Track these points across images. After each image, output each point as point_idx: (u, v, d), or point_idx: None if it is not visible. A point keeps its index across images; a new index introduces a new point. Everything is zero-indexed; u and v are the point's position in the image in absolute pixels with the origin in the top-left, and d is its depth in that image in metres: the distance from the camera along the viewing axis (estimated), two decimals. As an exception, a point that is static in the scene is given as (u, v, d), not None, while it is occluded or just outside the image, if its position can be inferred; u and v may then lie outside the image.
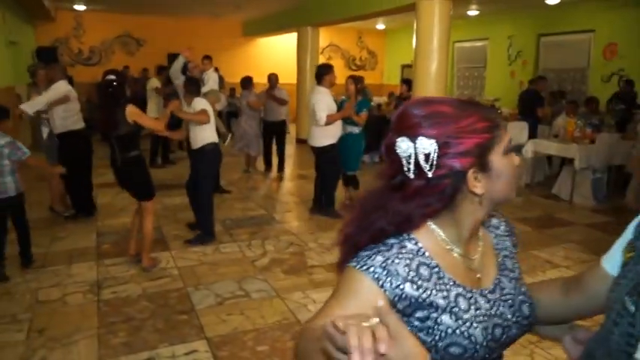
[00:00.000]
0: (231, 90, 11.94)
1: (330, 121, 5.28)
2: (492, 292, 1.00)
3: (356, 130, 5.69)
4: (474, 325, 0.92)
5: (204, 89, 5.97)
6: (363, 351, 0.63)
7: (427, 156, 0.90)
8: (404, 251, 0.92)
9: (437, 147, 0.89)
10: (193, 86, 4.69)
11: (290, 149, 10.54)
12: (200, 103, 4.59)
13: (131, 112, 3.85)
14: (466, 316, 0.92)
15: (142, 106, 12.17)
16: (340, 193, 5.89)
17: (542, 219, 5.67)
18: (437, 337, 0.91)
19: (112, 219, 5.45)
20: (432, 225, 0.97)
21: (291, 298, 3.58)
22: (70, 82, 5.43)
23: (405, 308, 0.90)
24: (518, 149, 7.58)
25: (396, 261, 0.90)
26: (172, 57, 13.69)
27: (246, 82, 7.80)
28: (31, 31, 11.85)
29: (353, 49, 17.01)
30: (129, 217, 5.41)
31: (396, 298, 0.89)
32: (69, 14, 12.84)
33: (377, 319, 0.68)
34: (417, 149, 0.90)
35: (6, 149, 3.78)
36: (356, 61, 17.09)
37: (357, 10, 9.17)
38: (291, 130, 12.44)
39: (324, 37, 14.01)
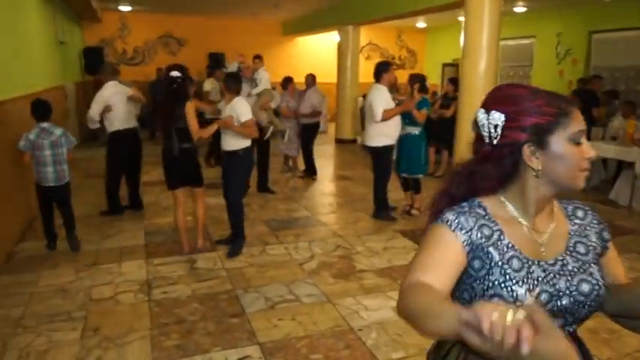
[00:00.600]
0: (271, 89, 11.95)
1: (386, 116, 5.14)
2: (552, 265, 1.12)
3: (416, 131, 5.50)
4: (519, 284, 1.06)
5: (257, 89, 5.95)
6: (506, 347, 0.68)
7: (496, 127, 1.10)
8: (472, 212, 1.13)
9: (504, 120, 1.09)
10: (233, 84, 4.35)
11: (329, 149, 10.46)
12: (242, 106, 4.31)
13: (188, 109, 4.07)
14: (515, 275, 1.07)
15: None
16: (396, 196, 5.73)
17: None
18: (485, 287, 1.08)
19: (159, 217, 5.49)
20: (501, 197, 1.16)
21: (342, 304, 3.48)
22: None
23: (468, 254, 1.08)
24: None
25: (466, 215, 1.12)
26: (213, 56, 13.96)
27: (287, 83, 7.73)
28: (79, 31, 12.17)
29: (392, 48, 16.79)
30: (171, 217, 5.48)
31: (464, 243, 1.08)
32: (114, 15, 13.13)
33: (522, 314, 0.71)
34: (490, 120, 1.11)
35: (62, 138, 4.22)
36: (395, 60, 16.84)
37: (404, 7, 8.99)
38: (330, 129, 12.40)
39: (363, 35, 13.87)
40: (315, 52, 15.43)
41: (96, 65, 11.31)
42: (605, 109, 8.29)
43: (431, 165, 7.69)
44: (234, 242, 4.48)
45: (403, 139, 5.40)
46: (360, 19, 10.76)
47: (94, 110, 5.14)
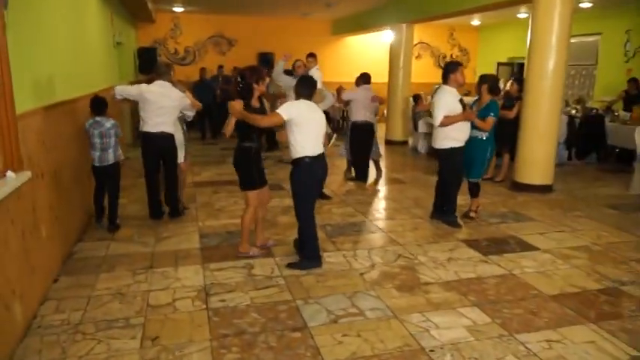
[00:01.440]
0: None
1: (446, 122, 4.87)
2: None
3: (482, 135, 5.18)
4: None
5: None
6: None
7: None
8: None
9: None
10: (306, 89, 4.00)
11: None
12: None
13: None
14: None
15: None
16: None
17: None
18: None
19: (212, 220, 5.40)
20: None
21: (409, 321, 3.24)
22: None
23: None
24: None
25: None
26: (263, 56, 13.96)
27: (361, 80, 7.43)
28: (133, 32, 12.40)
29: (443, 46, 16.32)
30: (228, 219, 5.39)
31: None
32: (167, 16, 13.33)
33: None
34: None
35: (112, 130, 4.84)
36: (447, 59, 16.35)
37: (466, 3, 8.59)
38: (380, 130, 12.06)
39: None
40: (365, 52, 15.16)
41: (149, 65, 11.52)
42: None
43: (491, 169, 7.31)
44: (304, 264, 4.12)
45: (469, 143, 5.08)
46: (414, 17, 10.42)
47: (121, 90, 5.06)
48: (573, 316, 3.32)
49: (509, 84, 12.39)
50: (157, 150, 5.13)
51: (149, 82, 5.22)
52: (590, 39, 11.89)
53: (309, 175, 3.99)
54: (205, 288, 3.72)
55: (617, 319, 3.28)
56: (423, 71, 15.34)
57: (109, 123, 4.80)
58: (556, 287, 3.77)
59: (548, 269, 4.12)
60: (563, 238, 4.90)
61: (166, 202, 5.38)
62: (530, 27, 6.75)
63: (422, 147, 10.05)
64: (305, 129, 3.90)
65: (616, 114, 9.18)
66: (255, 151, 4.17)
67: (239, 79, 4.07)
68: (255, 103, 4.13)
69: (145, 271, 4.03)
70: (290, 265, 4.13)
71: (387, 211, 5.86)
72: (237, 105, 3.94)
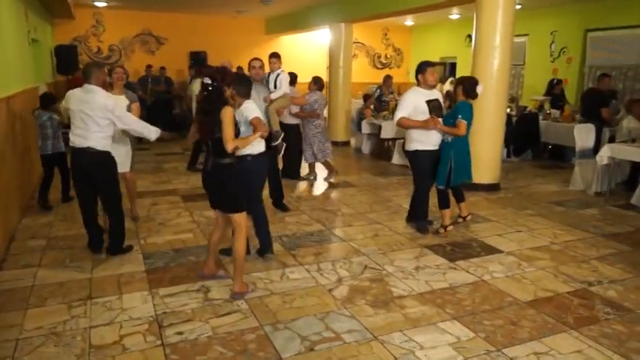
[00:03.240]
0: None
1: (402, 124, 4.72)
2: None
3: (447, 138, 4.87)
4: None
5: (276, 94, 5.29)
6: None
7: None
8: None
9: None
10: (243, 87, 3.80)
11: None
12: (252, 111, 3.78)
13: (224, 113, 3.43)
14: None
15: (165, 110, 11.70)
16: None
17: (636, 235, 5.04)
18: None
19: (155, 236, 4.89)
20: None
21: (391, 342, 3.00)
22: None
23: None
24: (586, 154, 6.98)
25: None
26: (194, 55, 13.28)
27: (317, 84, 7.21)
28: (50, 28, 11.33)
29: (378, 47, 16.42)
30: (173, 234, 4.91)
31: None
32: (88, 11, 12.34)
33: None
34: None
35: (48, 122, 5.55)
36: (381, 59, 16.49)
37: (407, 3, 8.54)
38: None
39: (351, 33, 13.45)
40: (300, 52, 14.89)
41: (68, 65, 10.57)
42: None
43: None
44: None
45: (441, 146, 4.92)
46: (354, 16, 10.29)
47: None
48: (553, 324, 3.23)
49: (447, 83, 12.73)
50: (81, 170, 4.17)
51: (71, 83, 4.66)
52: (518, 40, 12.33)
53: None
54: (157, 319, 3.27)
55: (596, 324, 3.23)
56: (360, 71, 15.32)
57: (46, 115, 5.57)
58: (529, 292, 3.68)
59: (516, 273, 4.05)
60: (522, 238, 4.89)
61: (109, 234, 4.42)
62: (474, 27, 6.79)
63: (366, 147, 9.94)
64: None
65: (548, 112, 9.55)
66: (236, 166, 3.65)
67: (207, 83, 3.58)
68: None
69: (83, 302, 3.49)
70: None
71: (343, 217, 5.61)
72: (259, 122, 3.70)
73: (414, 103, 4.72)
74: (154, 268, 4.10)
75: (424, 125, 4.72)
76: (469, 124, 4.86)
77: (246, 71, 5.98)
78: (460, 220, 5.24)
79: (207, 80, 3.57)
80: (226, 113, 3.41)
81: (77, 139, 4.08)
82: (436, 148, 4.83)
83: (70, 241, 4.66)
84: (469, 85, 4.89)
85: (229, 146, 3.41)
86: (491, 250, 4.55)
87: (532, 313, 3.36)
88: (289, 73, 6.99)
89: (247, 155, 3.91)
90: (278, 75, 5.40)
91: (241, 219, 3.60)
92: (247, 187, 3.94)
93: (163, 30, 13.34)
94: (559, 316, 3.33)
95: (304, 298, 3.57)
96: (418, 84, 4.82)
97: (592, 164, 6.67)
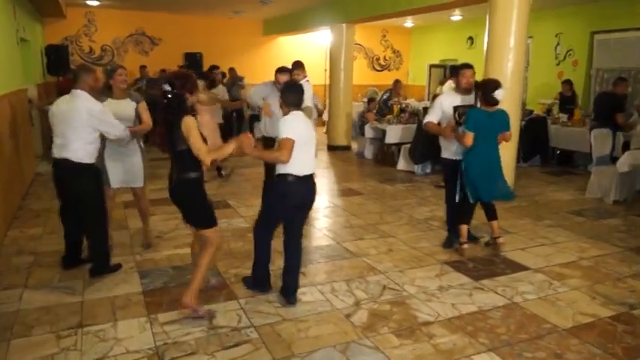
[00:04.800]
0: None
1: (427, 128, 4.52)
2: None
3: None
4: None
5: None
6: None
7: None
8: None
9: None
10: (292, 96, 3.40)
11: (322, 157, 9.57)
12: (286, 128, 3.32)
13: (186, 124, 3.08)
14: None
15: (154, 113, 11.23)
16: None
17: (666, 249, 4.74)
18: None
19: (152, 251, 4.52)
20: None
21: (424, 380, 2.65)
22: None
23: None
24: (604, 161, 6.68)
25: None
26: (190, 56, 12.89)
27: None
28: (40, 28, 10.91)
29: (377, 48, 16.11)
30: (172, 249, 4.55)
31: None
32: (80, 10, 11.92)
33: None
34: None
35: None
36: (380, 61, 16.18)
37: (415, 2, 8.21)
38: (322, 135, 11.52)
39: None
40: (298, 54, 14.44)
41: (59, 65, 10.14)
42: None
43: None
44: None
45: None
46: (356, 17, 9.95)
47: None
48: (601, 355, 2.90)
49: (447, 85, 12.42)
50: (60, 182, 3.82)
51: (62, 86, 4.26)
52: (523, 42, 12.07)
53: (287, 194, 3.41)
54: (158, 351, 2.90)
55: (648, 356, 2.91)
56: (359, 73, 14.96)
57: None
58: (567, 317, 3.35)
59: (548, 294, 3.72)
60: (547, 253, 4.57)
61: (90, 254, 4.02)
62: (487, 28, 6.48)
63: (368, 152, 9.60)
64: (304, 146, 3.35)
65: (556, 116, 9.27)
66: (201, 180, 3.33)
67: (166, 90, 3.15)
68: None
69: (74, 331, 3.12)
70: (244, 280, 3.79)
71: (353, 229, 5.25)
72: (248, 141, 3.20)
73: (442, 108, 4.44)
74: (151, 290, 3.73)
75: (441, 132, 4.45)
76: (482, 134, 4.22)
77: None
78: (491, 241, 4.66)
79: (167, 87, 3.12)
80: (188, 124, 3.06)
81: (56, 149, 3.73)
82: (458, 157, 4.46)
83: (60, 258, 4.26)
84: (485, 90, 4.28)
85: (207, 160, 3.11)
86: (518, 267, 4.22)
87: (575, 343, 3.03)
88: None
89: (288, 175, 3.34)
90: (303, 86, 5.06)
91: (211, 234, 3.33)
92: (282, 213, 3.51)
93: (158, 30, 12.94)
94: (605, 346, 3.00)
95: (320, 326, 3.22)
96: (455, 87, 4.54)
97: (610, 171, 6.38)
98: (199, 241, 3.47)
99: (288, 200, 3.40)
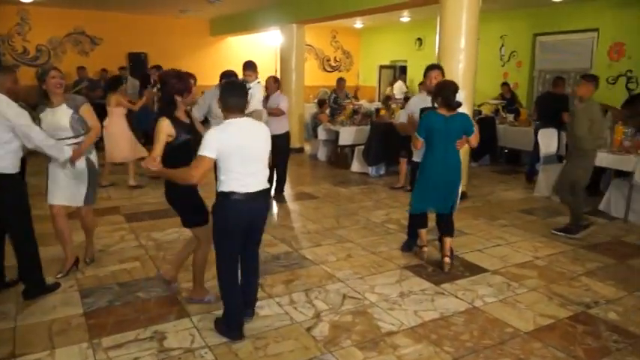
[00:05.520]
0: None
1: (399, 129, 4.72)
2: None
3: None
4: None
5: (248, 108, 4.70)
6: None
7: None
8: None
9: None
10: (232, 99, 2.90)
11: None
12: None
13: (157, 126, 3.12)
14: None
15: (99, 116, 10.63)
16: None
17: (615, 246, 4.87)
18: None
19: (95, 267, 4.19)
20: None
21: (391, 396, 2.53)
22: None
23: None
24: (551, 160, 6.86)
25: None
26: (133, 57, 12.35)
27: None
28: (-34, 26, 10.12)
29: (327, 49, 16.06)
30: (117, 263, 4.24)
31: None
32: (11, 8, 11.13)
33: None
34: None
35: None
36: (330, 62, 16.14)
37: (366, 3, 8.16)
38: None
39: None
40: (247, 54, 14.15)
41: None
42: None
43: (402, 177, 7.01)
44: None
45: None
46: (306, 17, 9.82)
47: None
48: (565, 359, 2.89)
49: (396, 85, 12.52)
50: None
51: None
52: (469, 43, 12.34)
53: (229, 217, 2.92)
54: (102, 382, 2.64)
55: (609, 356, 2.92)
56: (310, 74, 14.83)
57: None
58: (528, 320, 3.34)
59: (508, 296, 3.71)
60: (503, 253, 4.60)
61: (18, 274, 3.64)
62: (437, 29, 6.50)
63: (322, 154, 9.49)
64: (239, 159, 2.86)
65: (504, 116, 9.51)
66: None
67: (158, 86, 3.19)
68: (181, 116, 3.24)
69: (4, 363, 2.80)
70: (215, 324, 3.19)
71: (310, 235, 5.10)
72: (151, 163, 2.95)
73: (412, 109, 4.37)
74: (94, 310, 3.43)
75: (406, 130, 4.48)
76: (438, 140, 3.98)
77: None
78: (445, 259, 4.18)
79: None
80: (157, 126, 3.08)
81: None
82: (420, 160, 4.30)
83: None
84: (445, 93, 3.97)
85: (142, 164, 3.08)
86: (476, 269, 4.20)
87: (539, 347, 3.01)
88: (272, 78, 6.48)
89: (229, 193, 2.88)
90: (250, 88, 4.80)
91: (200, 232, 3.34)
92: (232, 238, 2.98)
93: (98, 29, 12.30)
94: (567, 348, 3.00)
95: (280, 342, 3.04)
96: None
97: (556, 170, 6.55)
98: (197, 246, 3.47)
99: (231, 223, 2.91)
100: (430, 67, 4.42)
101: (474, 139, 4.12)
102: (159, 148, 3.04)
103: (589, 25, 9.69)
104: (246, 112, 4.78)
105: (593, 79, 4.91)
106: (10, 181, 3.35)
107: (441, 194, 4.14)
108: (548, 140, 6.91)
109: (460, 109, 4.11)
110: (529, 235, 5.11)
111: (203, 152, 2.77)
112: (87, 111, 3.85)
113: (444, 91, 3.99)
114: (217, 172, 2.93)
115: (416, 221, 4.44)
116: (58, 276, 3.88)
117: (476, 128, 4.16)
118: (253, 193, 2.90)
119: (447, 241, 4.19)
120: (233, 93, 2.89)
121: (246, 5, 10.84)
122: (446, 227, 4.24)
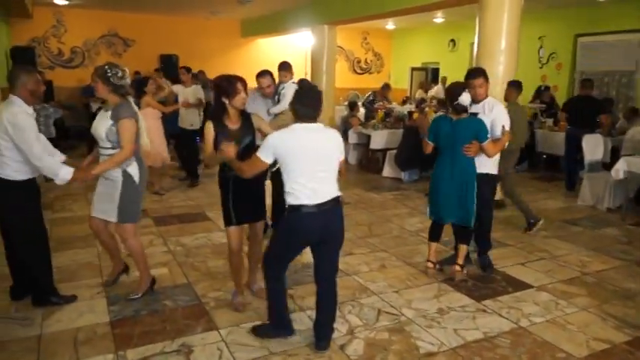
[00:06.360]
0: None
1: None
2: None
3: None
4: None
5: (278, 107, 4.60)
6: None
7: None
8: None
9: None
10: (304, 108, 2.76)
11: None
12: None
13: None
14: None
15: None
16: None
17: (670, 261, 4.53)
18: None
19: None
20: None
21: None
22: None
23: None
24: (595, 167, 6.50)
25: None
26: (165, 58, 12.41)
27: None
28: (5, 28, 10.31)
29: (358, 51, 15.88)
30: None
31: None
32: (48, 10, 11.35)
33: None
34: None
35: None
36: (361, 64, 15.94)
37: (402, 3, 7.94)
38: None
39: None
40: (278, 56, 14.07)
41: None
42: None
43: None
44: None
45: None
46: (338, 18, 9.66)
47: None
48: (625, 391, 2.62)
49: (434, 90, 12.22)
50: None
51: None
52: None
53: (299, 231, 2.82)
54: (126, 399, 2.51)
55: (675, 389, 2.64)
56: (339, 76, 14.67)
57: None
58: (581, 344, 3.07)
59: (556, 316, 3.44)
60: (548, 267, 4.31)
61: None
62: (476, 30, 6.22)
63: (352, 158, 9.29)
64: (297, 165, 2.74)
65: (543, 121, 9.12)
66: (236, 179, 3.18)
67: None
68: (230, 121, 3.19)
69: (28, 374, 2.71)
70: (256, 331, 3.12)
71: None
72: (230, 149, 2.89)
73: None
74: (121, 319, 3.32)
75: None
76: (444, 145, 3.79)
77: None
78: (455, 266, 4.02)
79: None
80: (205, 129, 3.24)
81: None
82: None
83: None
84: (451, 97, 3.72)
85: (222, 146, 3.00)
86: (519, 285, 3.94)
87: (595, 376, 2.75)
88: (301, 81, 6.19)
89: (292, 206, 2.78)
90: (284, 89, 4.69)
91: (227, 233, 3.39)
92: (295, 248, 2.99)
93: (131, 31, 12.44)
94: (627, 378, 2.73)
95: (313, 360, 2.87)
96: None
97: (603, 178, 6.20)
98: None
99: (299, 237, 2.85)
100: (473, 75, 3.93)
101: (490, 146, 3.69)
102: (207, 148, 3.16)
103: (634, 26, 9.22)
104: (277, 111, 4.69)
105: (515, 85, 5.73)
106: (15, 188, 3.18)
107: (453, 203, 3.81)
108: (593, 146, 6.54)
109: (496, 112, 3.86)
110: (575, 248, 4.80)
111: (260, 154, 2.78)
112: (123, 127, 3.29)
113: (451, 95, 3.73)
114: (284, 182, 2.79)
115: (429, 231, 4.20)
116: (133, 296, 3.59)
117: (505, 138, 3.81)
118: (323, 203, 2.74)
119: (460, 248, 3.99)
120: (307, 102, 2.75)
121: (277, 6, 10.76)
122: (460, 235, 4.01)
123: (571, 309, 3.55)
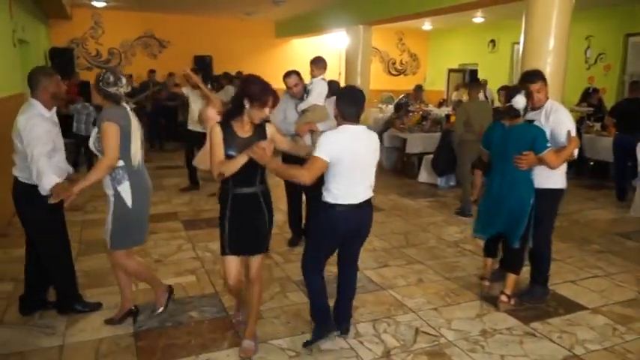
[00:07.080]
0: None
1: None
2: None
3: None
4: None
5: (304, 104, 4.41)
6: None
7: None
8: None
9: None
10: (349, 108, 2.75)
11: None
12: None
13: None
14: None
15: (168, 118, 10.66)
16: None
17: None
18: None
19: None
20: None
21: None
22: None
23: None
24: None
25: None
26: (199, 59, 12.42)
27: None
28: (44, 29, 10.50)
29: (393, 52, 15.55)
30: (174, 276, 4.01)
31: None
32: (86, 12, 11.52)
33: None
34: None
35: None
36: (396, 65, 15.61)
37: (441, 2, 7.64)
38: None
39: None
40: (312, 57, 13.99)
41: (64, 69, 9.69)
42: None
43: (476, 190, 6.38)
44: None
45: None
46: (373, 18, 9.41)
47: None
48: None
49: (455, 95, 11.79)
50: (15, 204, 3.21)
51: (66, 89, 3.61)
52: (550, 45, 11.42)
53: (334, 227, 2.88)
54: (145, 421, 2.36)
55: None
56: (374, 77, 14.38)
57: None
58: (646, 378, 2.75)
59: (615, 343, 3.11)
60: (602, 287, 3.96)
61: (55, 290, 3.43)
62: (523, 29, 5.87)
63: (387, 162, 9.01)
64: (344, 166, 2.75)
65: (591, 125, 8.63)
66: (235, 196, 2.79)
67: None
68: (241, 130, 2.77)
69: (47, 389, 2.59)
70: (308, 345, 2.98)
71: (375, 253, 4.68)
72: (269, 147, 2.66)
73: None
74: (145, 330, 3.19)
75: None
76: (496, 153, 3.49)
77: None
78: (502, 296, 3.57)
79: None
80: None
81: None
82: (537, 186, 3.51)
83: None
84: (506, 100, 3.40)
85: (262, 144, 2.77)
86: (572, 306, 3.62)
87: (665, 418, 2.43)
88: (330, 82, 5.85)
89: (327, 203, 2.81)
90: (313, 83, 4.49)
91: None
92: (331, 241, 2.99)
93: (166, 33, 12.51)
94: None
95: (345, 386, 2.65)
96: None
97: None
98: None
99: (333, 233, 2.90)
100: (530, 79, 3.48)
101: (552, 157, 3.21)
102: (217, 156, 2.73)
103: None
104: (304, 107, 4.45)
105: (475, 84, 6.57)
106: (25, 190, 3.07)
107: (503, 220, 3.44)
108: (649, 154, 6.08)
109: (559, 117, 3.47)
110: (631, 266, 4.42)
111: (318, 153, 2.69)
112: (103, 131, 2.87)
113: (505, 98, 3.40)
114: (325, 180, 2.80)
115: (484, 245, 3.88)
116: (157, 312, 3.38)
117: (572, 145, 3.33)
118: (358, 204, 2.82)
119: (509, 277, 3.55)
120: (352, 102, 2.78)
121: (312, 6, 10.60)
122: (508, 261, 3.66)
123: (630, 335, 3.21)
